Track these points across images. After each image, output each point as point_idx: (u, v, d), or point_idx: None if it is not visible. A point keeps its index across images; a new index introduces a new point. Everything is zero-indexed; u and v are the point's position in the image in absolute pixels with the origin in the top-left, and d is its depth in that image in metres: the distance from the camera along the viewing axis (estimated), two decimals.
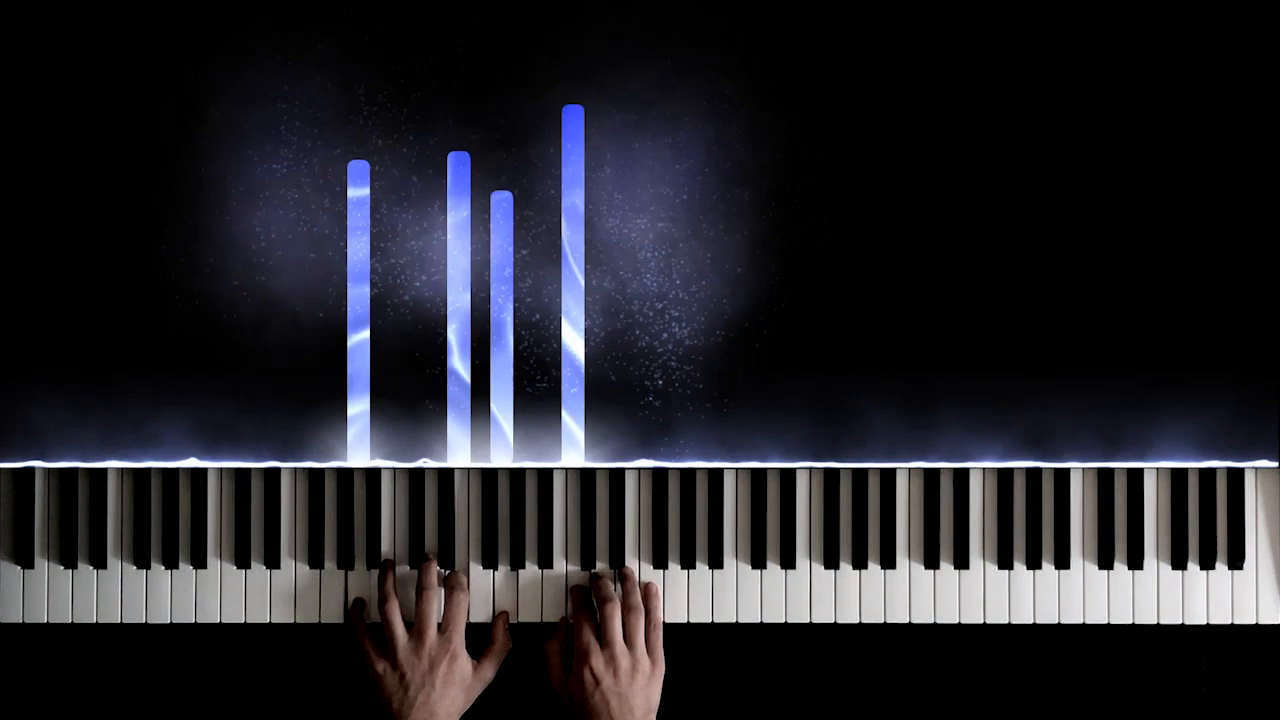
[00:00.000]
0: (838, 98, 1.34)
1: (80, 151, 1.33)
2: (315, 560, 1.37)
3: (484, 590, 1.37)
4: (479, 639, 1.39)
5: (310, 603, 1.37)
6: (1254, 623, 1.37)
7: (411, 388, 1.34)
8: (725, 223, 1.34)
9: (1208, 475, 1.37)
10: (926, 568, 1.37)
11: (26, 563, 1.36)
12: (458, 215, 1.34)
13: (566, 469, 1.37)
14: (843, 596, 1.37)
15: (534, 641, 1.38)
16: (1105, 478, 1.37)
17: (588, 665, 1.32)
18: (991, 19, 1.34)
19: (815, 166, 1.34)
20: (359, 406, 1.34)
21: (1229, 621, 1.37)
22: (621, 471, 1.37)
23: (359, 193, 1.34)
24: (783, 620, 1.37)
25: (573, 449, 1.34)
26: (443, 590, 1.35)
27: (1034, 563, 1.37)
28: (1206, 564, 1.37)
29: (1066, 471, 1.37)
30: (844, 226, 1.34)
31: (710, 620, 1.37)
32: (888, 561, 1.37)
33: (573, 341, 1.34)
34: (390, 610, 1.33)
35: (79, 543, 1.36)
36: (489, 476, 1.37)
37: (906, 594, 1.37)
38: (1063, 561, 1.37)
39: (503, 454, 1.34)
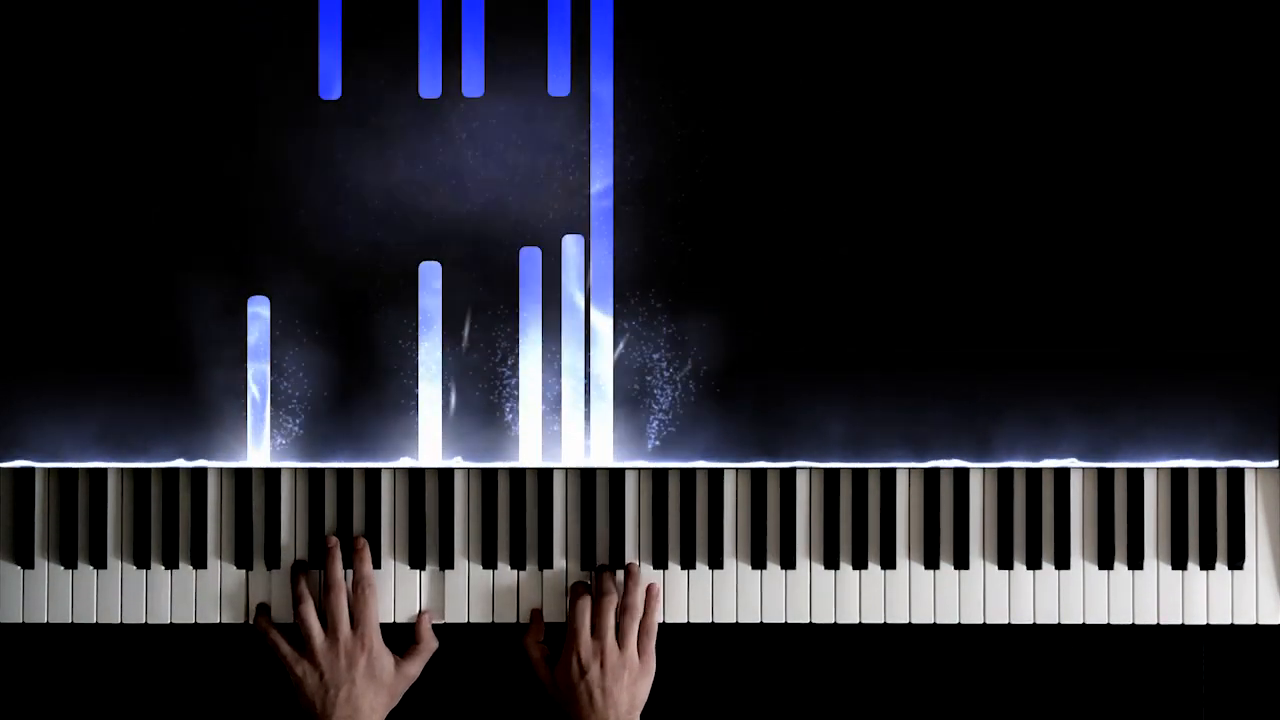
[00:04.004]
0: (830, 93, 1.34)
1: (77, 152, 1.33)
2: (316, 561, 1.36)
3: (483, 590, 1.37)
4: (473, 638, 1.39)
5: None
6: (1254, 623, 1.37)
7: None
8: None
9: (1208, 475, 1.37)
10: (926, 568, 1.37)
11: (26, 563, 1.36)
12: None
13: (566, 469, 1.37)
14: (843, 597, 1.37)
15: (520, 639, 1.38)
16: (1105, 478, 1.37)
17: (575, 652, 1.32)
18: (979, 7, 1.34)
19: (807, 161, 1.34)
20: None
21: (1229, 621, 1.37)
22: (621, 471, 1.37)
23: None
24: (783, 620, 1.37)
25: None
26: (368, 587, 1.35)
27: (1034, 563, 1.37)
28: (1206, 564, 1.37)
29: (1066, 471, 1.37)
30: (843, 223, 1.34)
31: (710, 620, 1.37)
32: (888, 561, 1.37)
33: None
34: (304, 611, 1.33)
35: (79, 543, 1.36)
36: (489, 476, 1.37)
37: (906, 594, 1.37)
38: (1063, 561, 1.37)
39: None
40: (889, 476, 1.37)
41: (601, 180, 1.33)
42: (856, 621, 1.37)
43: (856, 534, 1.37)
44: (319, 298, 1.33)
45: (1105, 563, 1.37)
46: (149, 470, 1.36)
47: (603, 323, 1.34)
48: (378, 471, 1.37)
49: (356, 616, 1.33)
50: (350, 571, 1.35)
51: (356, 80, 1.33)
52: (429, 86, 1.33)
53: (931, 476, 1.37)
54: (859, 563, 1.37)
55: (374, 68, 1.33)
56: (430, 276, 1.32)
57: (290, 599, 1.35)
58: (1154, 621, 1.37)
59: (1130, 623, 1.37)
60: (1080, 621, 1.37)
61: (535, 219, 1.33)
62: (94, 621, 1.36)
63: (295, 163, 1.33)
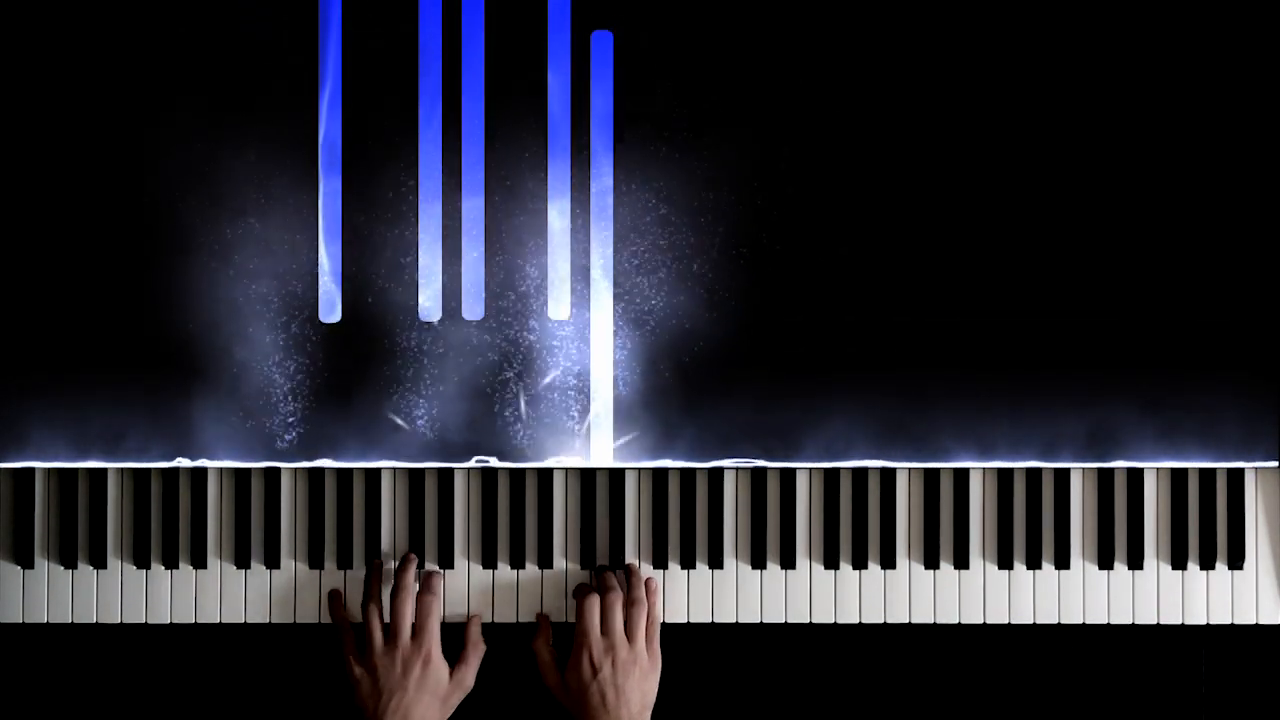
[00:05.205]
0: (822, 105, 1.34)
1: (70, 155, 1.33)
2: (315, 560, 1.37)
3: (483, 590, 1.37)
4: (482, 638, 1.39)
5: (310, 603, 1.37)
6: (1254, 623, 1.37)
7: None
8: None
9: (1208, 475, 1.37)
10: (926, 568, 1.37)
11: (26, 563, 1.36)
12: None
13: (566, 469, 1.37)
14: (843, 596, 1.37)
15: (530, 642, 1.38)
16: (1105, 478, 1.37)
17: (587, 652, 1.32)
18: (979, 10, 1.34)
19: (800, 166, 1.34)
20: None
21: (1229, 621, 1.37)
22: (621, 471, 1.37)
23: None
24: (783, 620, 1.37)
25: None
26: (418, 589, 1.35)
27: (1034, 563, 1.37)
28: (1206, 564, 1.37)
29: (1066, 471, 1.37)
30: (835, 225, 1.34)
31: (710, 620, 1.37)
32: (888, 561, 1.37)
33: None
34: (371, 612, 1.33)
35: (79, 543, 1.36)
36: (489, 476, 1.37)
37: (906, 594, 1.37)
38: (1063, 561, 1.37)
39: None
40: (889, 476, 1.37)
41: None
42: (856, 621, 1.37)
43: (856, 534, 1.37)
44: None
45: (1105, 563, 1.37)
46: (149, 470, 1.36)
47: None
48: (378, 471, 1.37)
49: (418, 623, 1.33)
50: (423, 573, 1.35)
51: (357, 302, 1.34)
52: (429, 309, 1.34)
53: (931, 476, 1.37)
54: (859, 563, 1.37)
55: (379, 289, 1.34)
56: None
57: (293, 601, 1.35)
58: (1154, 621, 1.37)
59: (1130, 623, 1.37)
60: (1080, 621, 1.37)
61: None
62: (94, 621, 1.36)
63: (287, 365, 1.33)
